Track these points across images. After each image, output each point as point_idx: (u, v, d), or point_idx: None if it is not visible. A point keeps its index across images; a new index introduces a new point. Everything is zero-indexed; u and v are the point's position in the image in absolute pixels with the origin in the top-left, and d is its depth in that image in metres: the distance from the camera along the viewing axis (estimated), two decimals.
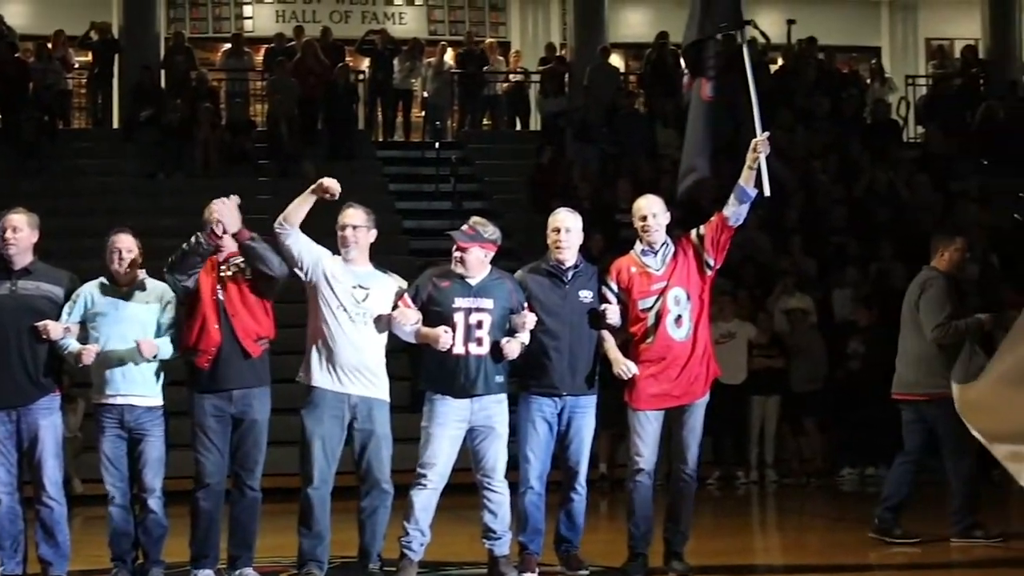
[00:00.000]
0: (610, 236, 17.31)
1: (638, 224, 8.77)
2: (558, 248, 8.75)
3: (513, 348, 8.41)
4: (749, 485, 15.56)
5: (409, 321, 8.31)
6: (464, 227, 8.54)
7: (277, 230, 8.35)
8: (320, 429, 8.35)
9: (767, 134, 8.66)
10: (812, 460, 15.83)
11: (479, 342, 8.36)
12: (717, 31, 9.26)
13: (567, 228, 8.77)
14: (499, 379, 8.46)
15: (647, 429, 8.65)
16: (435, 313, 8.37)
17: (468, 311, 8.36)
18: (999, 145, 22.12)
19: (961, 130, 22.71)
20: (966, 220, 18.77)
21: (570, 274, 8.73)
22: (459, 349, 8.33)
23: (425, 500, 8.39)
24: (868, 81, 24.78)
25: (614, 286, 8.73)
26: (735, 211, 8.59)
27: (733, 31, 9.20)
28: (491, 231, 8.54)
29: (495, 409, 8.44)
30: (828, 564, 9.45)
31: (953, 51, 27.12)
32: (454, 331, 8.27)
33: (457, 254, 8.45)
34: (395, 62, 23.59)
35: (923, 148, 22.20)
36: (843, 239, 18.26)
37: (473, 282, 8.44)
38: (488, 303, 8.40)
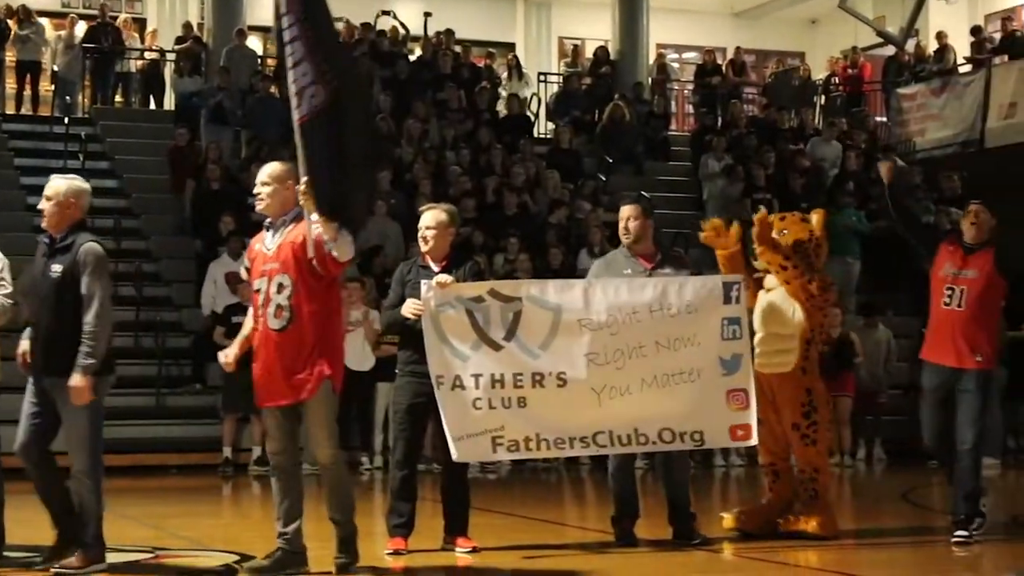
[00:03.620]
0: (241, 219, 17.33)
1: None
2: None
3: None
4: (373, 471, 15.70)
5: None
6: None
7: None
8: None
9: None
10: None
11: None
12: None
13: (47, 196, 8.04)
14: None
15: (269, 422, 8.13)
16: None
17: None
18: (624, 144, 22.92)
19: (589, 128, 23.43)
20: (590, 215, 19.40)
21: (53, 249, 8.02)
22: None
23: None
24: (503, 76, 25.32)
25: (247, 261, 8.23)
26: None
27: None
28: None
29: None
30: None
31: (585, 51, 27.94)
32: None
33: None
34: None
35: (553, 144, 22.77)
36: (471, 230, 18.59)
37: None
38: None
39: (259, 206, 8.02)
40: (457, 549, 8.90)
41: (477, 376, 8.74)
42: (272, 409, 7.94)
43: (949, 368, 9.43)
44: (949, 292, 9.41)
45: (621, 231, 9.43)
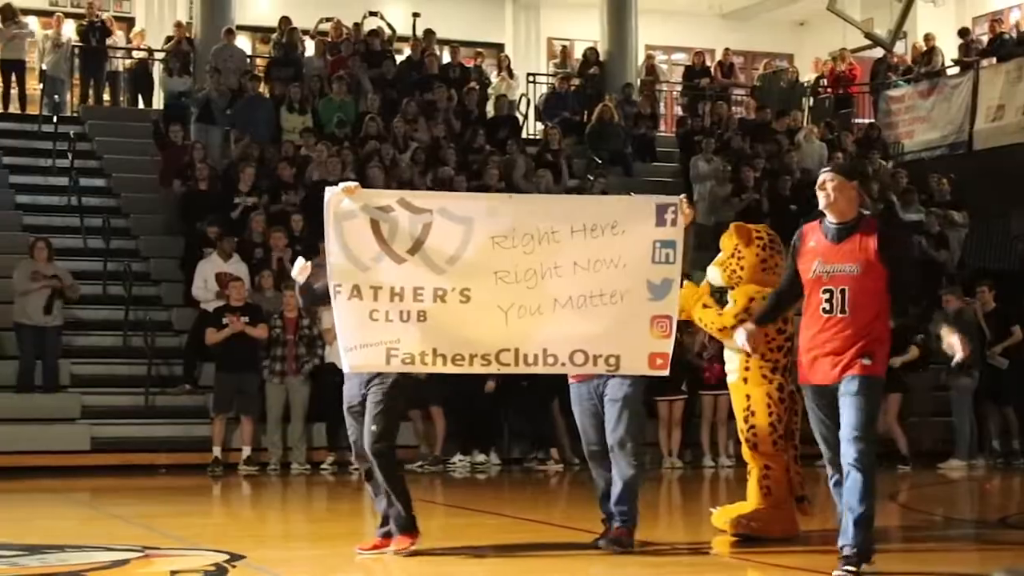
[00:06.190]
0: (226, 219, 17.48)
1: None
2: None
3: None
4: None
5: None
6: None
7: None
8: None
9: None
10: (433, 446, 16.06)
11: None
12: None
13: None
14: None
15: None
16: None
17: None
18: (613, 145, 22.95)
19: (578, 129, 23.47)
20: None
21: None
22: None
23: None
24: (492, 76, 25.34)
25: None
26: None
27: None
28: None
29: None
30: (447, 547, 9.56)
31: (573, 51, 27.96)
32: None
33: None
34: None
35: (542, 144, 22.78)
36: None
37: None
38: None
39: None
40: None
41: (376, 288, 8.58)
42: None
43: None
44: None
45: None
